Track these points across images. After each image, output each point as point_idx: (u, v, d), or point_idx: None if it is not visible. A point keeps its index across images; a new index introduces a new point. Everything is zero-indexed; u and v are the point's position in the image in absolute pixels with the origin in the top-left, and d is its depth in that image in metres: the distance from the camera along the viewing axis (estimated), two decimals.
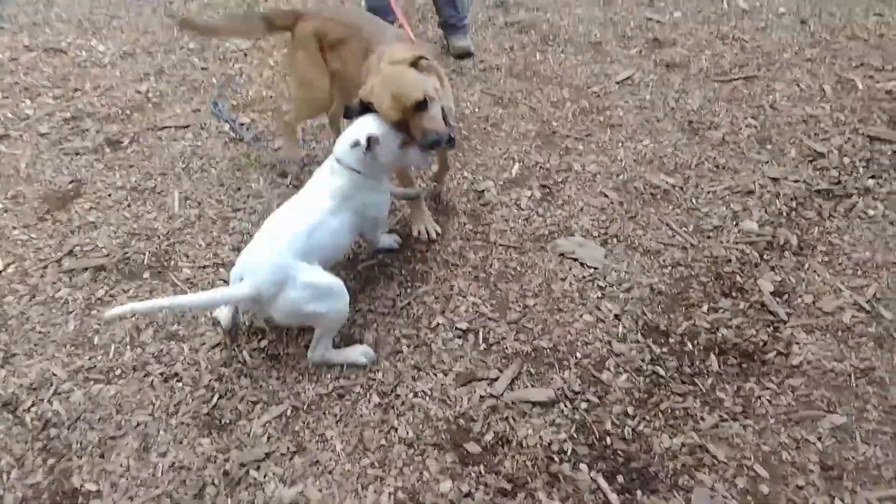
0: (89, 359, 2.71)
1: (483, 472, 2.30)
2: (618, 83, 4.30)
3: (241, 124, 4.02)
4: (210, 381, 2.62)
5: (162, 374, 2.65)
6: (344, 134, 2.70)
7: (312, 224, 2.53)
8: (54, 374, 2.65)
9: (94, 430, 2.45)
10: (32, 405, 2.54)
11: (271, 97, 4.33)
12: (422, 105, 2.59)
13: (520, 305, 2.88)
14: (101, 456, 2.37)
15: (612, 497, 2.20)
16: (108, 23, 5.38)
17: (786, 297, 2.87)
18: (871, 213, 3.24)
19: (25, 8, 5.67)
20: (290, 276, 2.41)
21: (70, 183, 3.64)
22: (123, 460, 2.36)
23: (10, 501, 2.25)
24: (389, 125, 2.64)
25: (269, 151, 3.79)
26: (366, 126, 2.64)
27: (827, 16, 4.85)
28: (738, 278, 2.97)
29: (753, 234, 3.17)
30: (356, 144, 2.59)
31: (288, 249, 2.45)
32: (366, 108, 2.67)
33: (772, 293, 2.88)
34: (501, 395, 2.52)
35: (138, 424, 2.47)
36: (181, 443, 2.42)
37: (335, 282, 2.53)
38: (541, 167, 3.64)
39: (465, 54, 4.68)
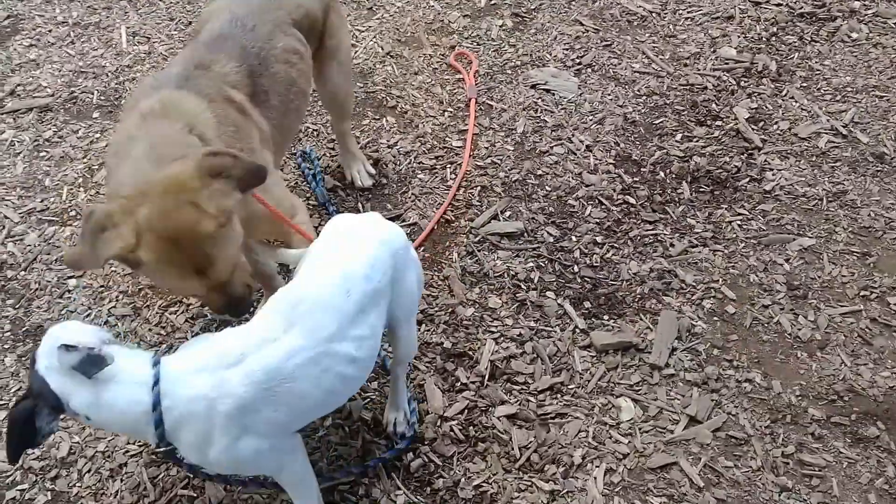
0: (41, 201, 2.61)
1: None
2: None
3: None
4: None
5: None
6: None
7: None
8: (6, 217, 2.55)
9: (51, 271, 2.39)
10: None
11: None
12: None
13: (487, 141, 2.78)
14: (61, 296, 2.32)
15: (579, 321, 2.19)
16: None
17: (762, 123, 2.78)
18: (855, 35, 3.10)
19: None
20: None
21: (6, 18, 3.38)
22: (84, 299, 2.31)
23: None
24: None
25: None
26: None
27: None
28: (714, 106, 2.86)
29: (731, 60, 3.04)
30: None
31: None
32: None
33: (747, 120, 2.79)
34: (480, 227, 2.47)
35: None
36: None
37: None
38: None
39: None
